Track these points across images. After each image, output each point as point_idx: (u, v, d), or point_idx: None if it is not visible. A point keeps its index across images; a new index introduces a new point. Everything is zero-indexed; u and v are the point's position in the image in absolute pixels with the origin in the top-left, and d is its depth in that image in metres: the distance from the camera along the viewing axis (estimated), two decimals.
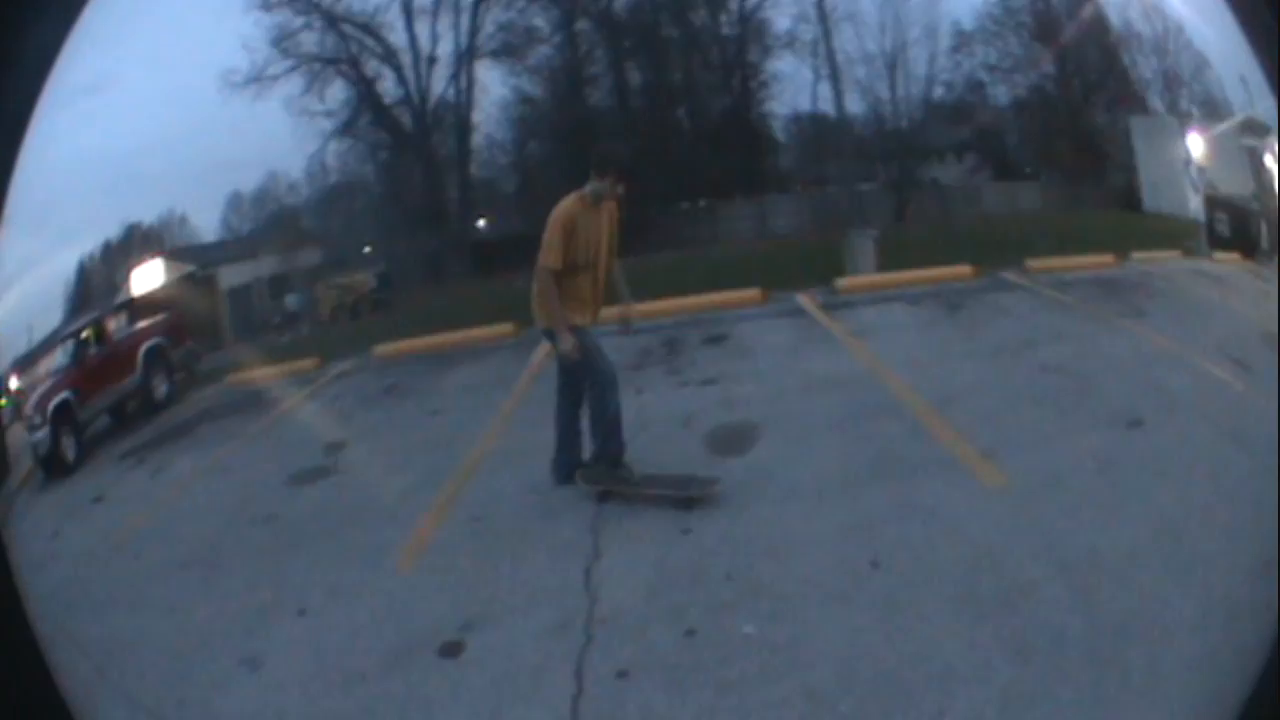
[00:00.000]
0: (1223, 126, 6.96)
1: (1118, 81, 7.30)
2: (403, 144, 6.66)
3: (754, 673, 4.69)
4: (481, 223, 6.93)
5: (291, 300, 6.42)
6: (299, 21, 6.11)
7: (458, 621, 5.06)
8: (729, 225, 6.91)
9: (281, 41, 6.11)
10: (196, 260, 6.21)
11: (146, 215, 5.75)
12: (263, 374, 6.20)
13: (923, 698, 4.52)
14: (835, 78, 6.91)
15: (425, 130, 6.71)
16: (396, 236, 6.76)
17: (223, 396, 6.15)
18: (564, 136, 7.02)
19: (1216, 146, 7.17)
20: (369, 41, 6.39)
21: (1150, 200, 7.36)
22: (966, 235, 7.17)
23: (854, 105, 6.96)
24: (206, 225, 6.17)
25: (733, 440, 6.42)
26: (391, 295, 6.60)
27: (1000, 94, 7.22)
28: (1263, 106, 4.96)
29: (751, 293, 6.76)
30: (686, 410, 6.52)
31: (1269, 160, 6.74)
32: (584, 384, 6.28)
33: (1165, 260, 7.61)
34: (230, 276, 6.31)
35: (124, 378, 6.01)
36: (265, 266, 6.39)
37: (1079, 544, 5.64)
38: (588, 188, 6.22)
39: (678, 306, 6.86)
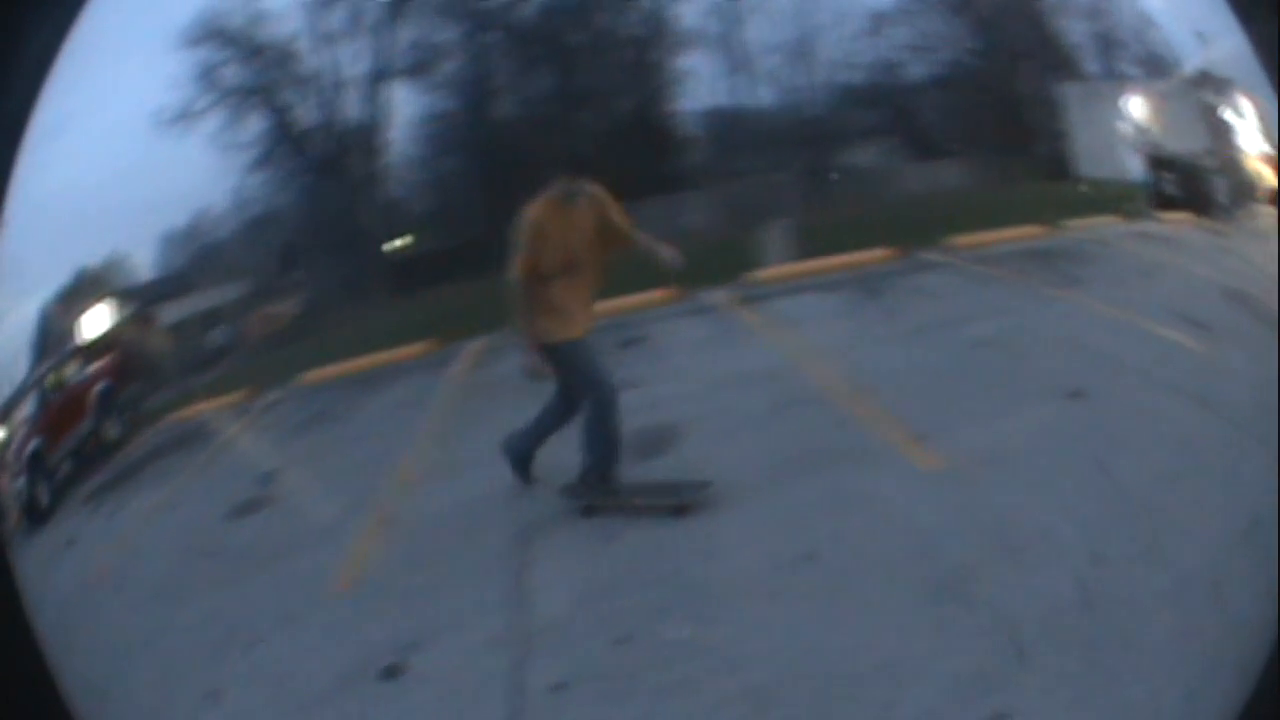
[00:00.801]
0: (1172, 84, 6.05)
1: (1047, 49, 6.32)
2: (318, 170, 5.81)
3: (692, 676, 4.34)
4: (399, 242, 5.94)
5: (220, 334, 5.67)
6: (220, 56, 5.39)
7: (400, 641, 4.68)
8: (643, 226, 5.82)
9: (204, 77, 5.40)
10: (137, 300, 5.58)
11: (92, 258, 5.21)
12: (201, 409, 5.58)
13: (870, 690, 4.18)
14: (745, 69, 5.95)
15: (340, 154, 5.84)
16: (318, 262, 5.95)
17: (167, 434, 5.51)
18: (474, 150, 6.16)
19: (1163, 105, 6.21)
20: (284, 70, 5.64)
21: (1085, 167, 6.34)
22: (886, 218, 6.22)
23: (766, 96, 6.02)
24: (146, 265, 5.54)
25: (656, 442, 5.58)
26: (315, 322, 5.82)
27: (918, 73, 6.18)
28: (1221, 58, 4.99)
29: (666, 292, 5.81)
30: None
31: (1228, 115, 5.89)
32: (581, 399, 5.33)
33: (1102, 226, 6.53)
34: (168, 314, 5.62)
35: (80, 421, 5.47)
36: (198, 302, 5.67)
37: (1025, 522, 4.97)
38: (555, 188, 5.38)
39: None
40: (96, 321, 5.49)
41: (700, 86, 6.13)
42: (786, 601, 4.67)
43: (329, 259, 6.02)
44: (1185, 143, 6.23)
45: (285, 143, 5.83)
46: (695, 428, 5.55)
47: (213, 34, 5.56)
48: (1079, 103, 6.21)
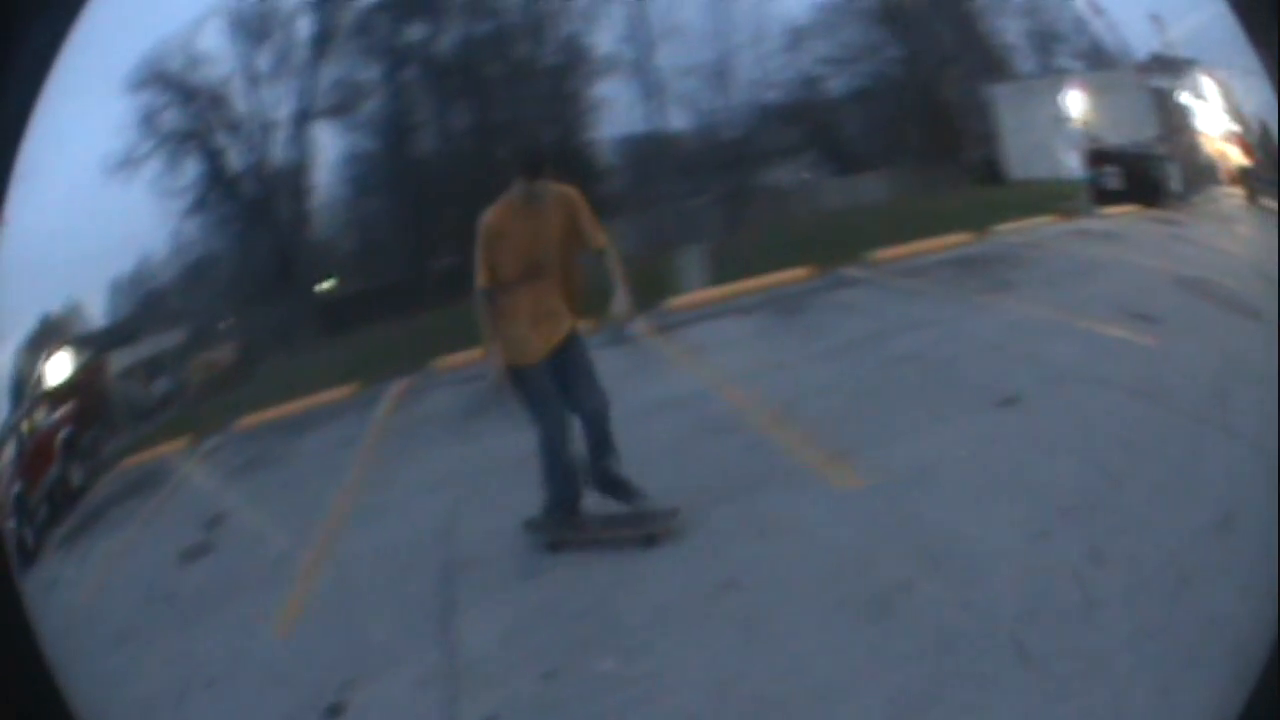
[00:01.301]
0: (1117, 73, 5.40)
1: (975, 52, 5.71)
2: (248, 214, 5.37)
3: (619, 707, 3.98)
4: (327, 284, 5.49)
5: (165, 380, 5.32)
6: (160, 100, 5.01)
7: (340, 680, 4.31)
8: None
9: (146, 122, 5.03)
10: (92, 347, 5.22)
11: (53, 305, 4.84)
12: (151, 455, 5.17)
13: (801, 715, 3.81)
14: (662, 94, 5.38)
15: (268, 197, 5.42)
16: (250, 307, 5.46)
17: (122, 480, 5.10)
18: (393, 188, 5.64)
19: (1105, 97, 5.54)
20: (217, 113, 5.21)
21: (1018, 169, 5.61)
22: (806, 236, 5.58)
23: (682, 120, 5.44)
24: (99, 312, 5.13)
25: None
26: (250, 366, 5.41)
27: (839, 86, 5.56)
28: (1180, 38, 4.61)
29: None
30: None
31: (1184, 98, 5.29)
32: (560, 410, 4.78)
33: (1036, 227, 5.77)
34: (118, 361, 5.26)
35: (50, 467, 5.09)
36: (143, 349, 5.29)
37: (954, 536, 4.37)
38: (513, 189, 4.72)
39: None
40: (59, 368, 5.11)
41: (618, 113, 5.58)
42: (709, 630, 4.20)
43: (261, 303, 5.51)
44: (1131, 133, 5.56)
45: (218, 186, 5.40)
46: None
47: (154, 78, 5.15)
48: (1011, 103, 5.57)
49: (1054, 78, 5.52)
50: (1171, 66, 5.32)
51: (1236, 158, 5.27)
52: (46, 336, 5.04)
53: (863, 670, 3.85)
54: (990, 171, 5.51)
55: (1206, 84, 5.28)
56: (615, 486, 4.73)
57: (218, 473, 5.31)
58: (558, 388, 4.85)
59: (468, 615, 4.62)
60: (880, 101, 5.61)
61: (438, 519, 4.97)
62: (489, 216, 4.77)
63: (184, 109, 5.24)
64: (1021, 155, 5.45)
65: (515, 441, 5.00)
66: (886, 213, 5.33)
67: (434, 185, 5.57)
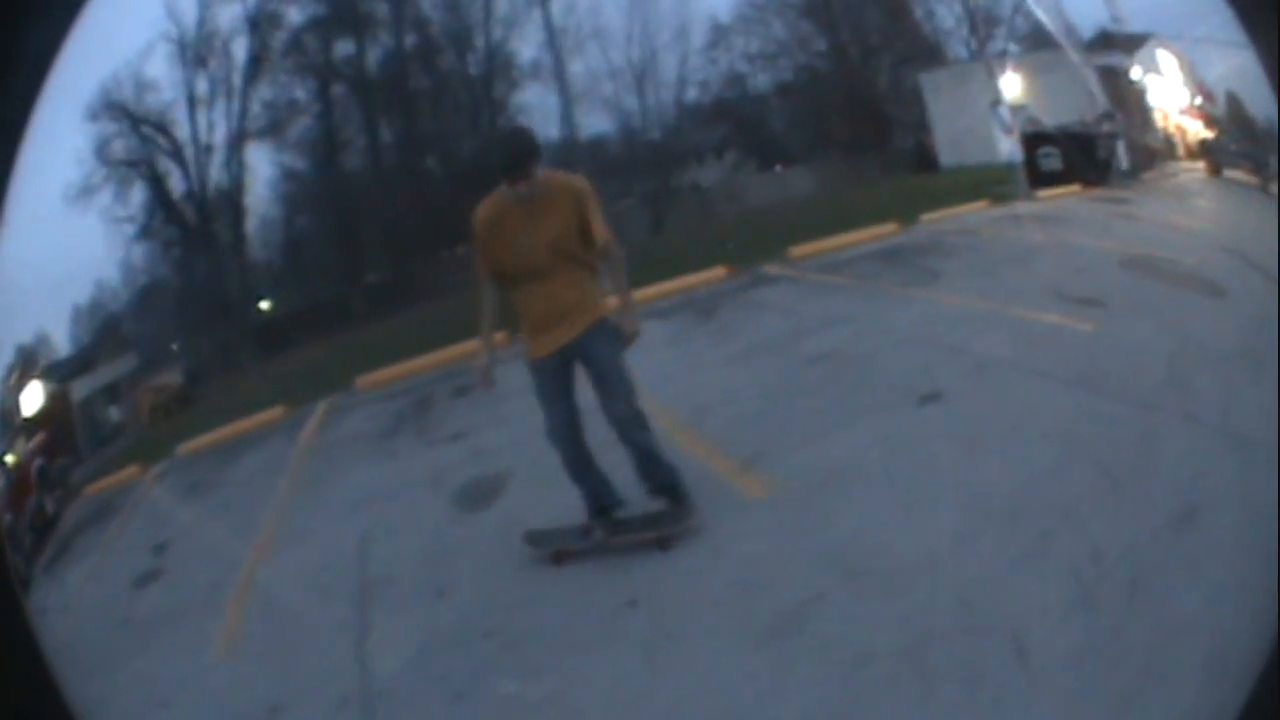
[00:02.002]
0: (1059, 54, 4.49)
1: (907, 40, 4.94)
2: (188, 237, 4.83)
3: None
4: (264, 304, 4.90)
5: (114, 410, 4.82)
6: (112, 129, 4.51)
7: (267, 705, 3.76)
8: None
9: (100, 151, 4.53)
10: (57, 377, 4.66)
11: (25, 335, 4.34)
12: (108, 483, 4.60)
13: None
14: (583, 98, 4.73)
15: (205, 221, 4.85)
16: (193, 331, 4.95)
17: (85, 508, 4.52)
18: (323, 205, 5.01)
19: (1045, 78, 4.66)
20: (162, 139, 4.69)
21: (949, 156, 4.74)
22: (728, 235, 4.77)
23: (604, 123, 4.77)
24: (64, 341, 4.61)
25: (481, 494, 4.25)
26: (195, 390, 4.83)
27: (763, 82, 4.82)
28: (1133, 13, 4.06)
29: (503, 335, 4.25)
30: (436, 469, 4.39)
31: (1136, 74, 4.52)
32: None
33: (967, 214, 4.82)
34: (78, 391, 4.72)
35: (28, 497, 4.57)
36: (101, 376, 4.76)
37: (868, 546, 3.54)
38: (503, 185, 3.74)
39: (430, 363, 4.64)
40: (33, 398, 4.62)
41: (542, 119, 4.88)
42: (612, 651, 3.50)
43: (203, 326, 5.00)
44: (1073, 113, 4.67)
45: (161, 212, 4.87)
46: (518, 477, 4.23)
47: (107, 107, 4.62)
48: (941, 90, 4.72)
49: (988, 62, 4.67)
50: (1123, 43, 4.57)
51: (1196, 131, 4.52)
52: (20, 367, 4.55)
53: (769, 692, 3.19)
54: (922, 160, 4.68)
55: (1163, 58, 4.56)
56: (659, 491, 3.87)
57: (164, 498, 4.74)
58: (566, 386, 3.98)
59: (380, 637, 3.94)
60: (806, 95, 4.85)
61: (353, 541, 4.26)
62: (479, 211, 3.93)
63: (132, 136, 4.73)
64: (953, 141, 4.61)
65: (430, 459, 4.41)
66: (810, 207, 4.48)
67: (362, 200, 4.96)
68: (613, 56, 4.76)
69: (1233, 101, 4.16)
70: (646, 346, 4.03)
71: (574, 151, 4.74)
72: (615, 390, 3.90)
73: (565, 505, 3.87)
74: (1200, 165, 4.55)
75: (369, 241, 4.82)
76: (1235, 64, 3.45)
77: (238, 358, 5.00)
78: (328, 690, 3.81)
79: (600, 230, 3.87)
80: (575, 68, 4.77)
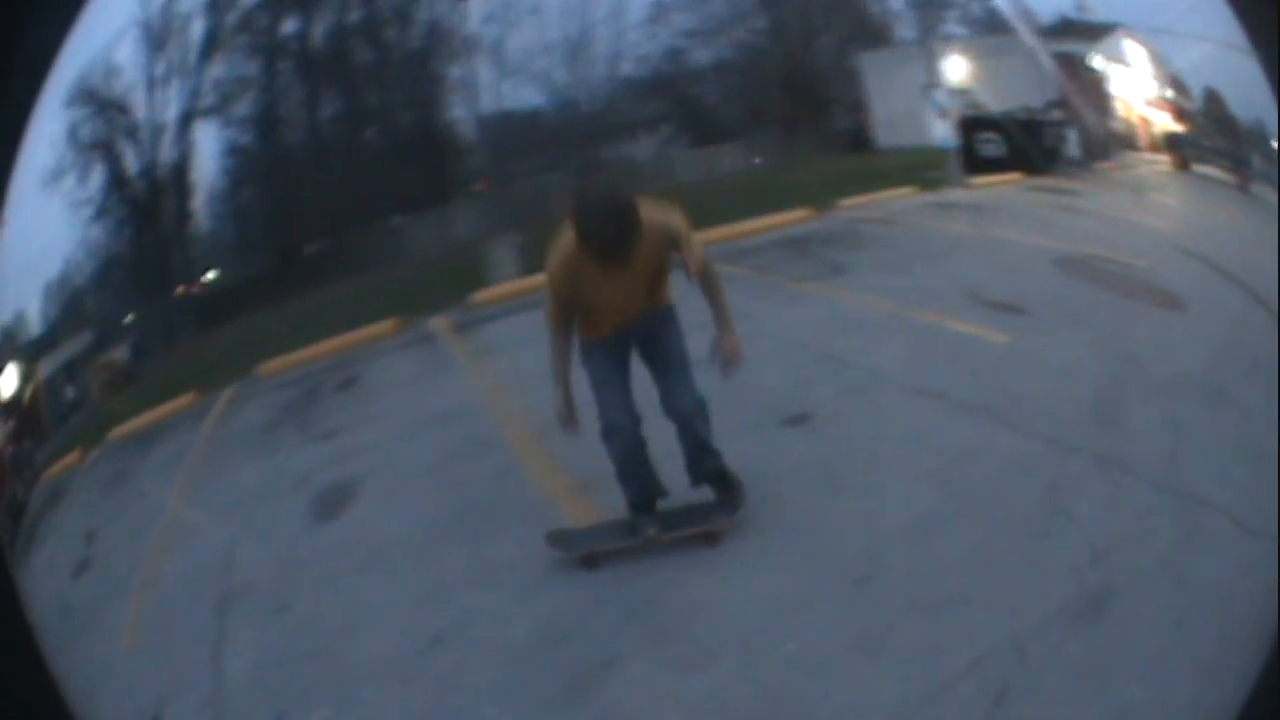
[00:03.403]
0: (1012, 37, 3.28)
1: (850, 19, 3.70)
2: (138, 214, 3.82)
3: None
4: (210, 275, 3.80)
5: (70, 388, 3.72)
6: (82, 113, 3.56)
7: (160, 696, 2.98)
8: (415, 240, 3.60)
9: (70, 135, 3.58)
10: (27, 357, 3.64)
11: (5, 317, 3.43)
12: (59, 467, 3.47)
13: None
14: (522, 72, 3.58)
15: (154, 197, 3.81)
16: (143, 306, 3.84)
17: (41, 494, 3.42)
18: (262, 179, 3.92)
19: (995, 61, 3.37)
20: (122, 121, 3.71)
21: (886, 138, 3.39)
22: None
23: (538, 97, 3.59)
24: (35, 323, 3.63)
25: (335, 501, 3.09)
26: (140, 367, 3.72)
27: (701, 58, 3.59)
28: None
29: (386, 324, 3.31)
30: (305, 470, 3.22)
31: (1098, 62, 3.32)
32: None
33: (891, 200, 3.39)
34: (43, 369, 3.65)
35: (5, 484, 3.57)
36: (61, 354, 3.69)
37: (678, 604, 2.34)
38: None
39: (321, 351, 3.41)
40: (8, 381, 3.78)
41: (479, 93, 3.80)
42: (410, 687, 2.52)
43: (150, 301, 4.04)
44: (1021, 99, 3.37)
45: (117, 190, 3.97)
46: (370, 484, 3.08)
47: (80, 92, 3.76)
48: (880, 71, 3.44)
49: (928, 43, 3.45)
50: (1085, 31, 3.45)
51: (1164, 124, 3.37)
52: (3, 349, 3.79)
53: None
54: (858, 141, 3.41)
55: (1130, 48, 3.46)
56: (707, 480, 2.76)
57: (95, 486, 3.76)
58: (625, 372, 2.80)
59: (231, 648, 3.04)
60: (744, 72, 3.68)
61: (225, 543, 3.27)
62: (554, 263, 2.77)
63: (98, 120, 3.88)
64: (890, 123, 3.35)
65: (301, 458, 3.32)
66: (730, 187, 3.27)
67: (299, 172, 3.99)
68: (551, 30, 3.69)
69: (1212, 98, 3.19)
70: (524, 341, 2.96)
71: (508, 125, 3.74)
72: (682, 379, 2.75)
73: (402, 525, 2.84)
74: (1164, 158, 3.34)
75: (307, 214, 3.88)
76: (1216, 59, 2.80)
77: (177, 334, 4.10)
78: (195, 691, 3.06)
79: (696, 263, 2.70)
80: (513, 41, 3.72)
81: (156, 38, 3.96)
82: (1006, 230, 3.01)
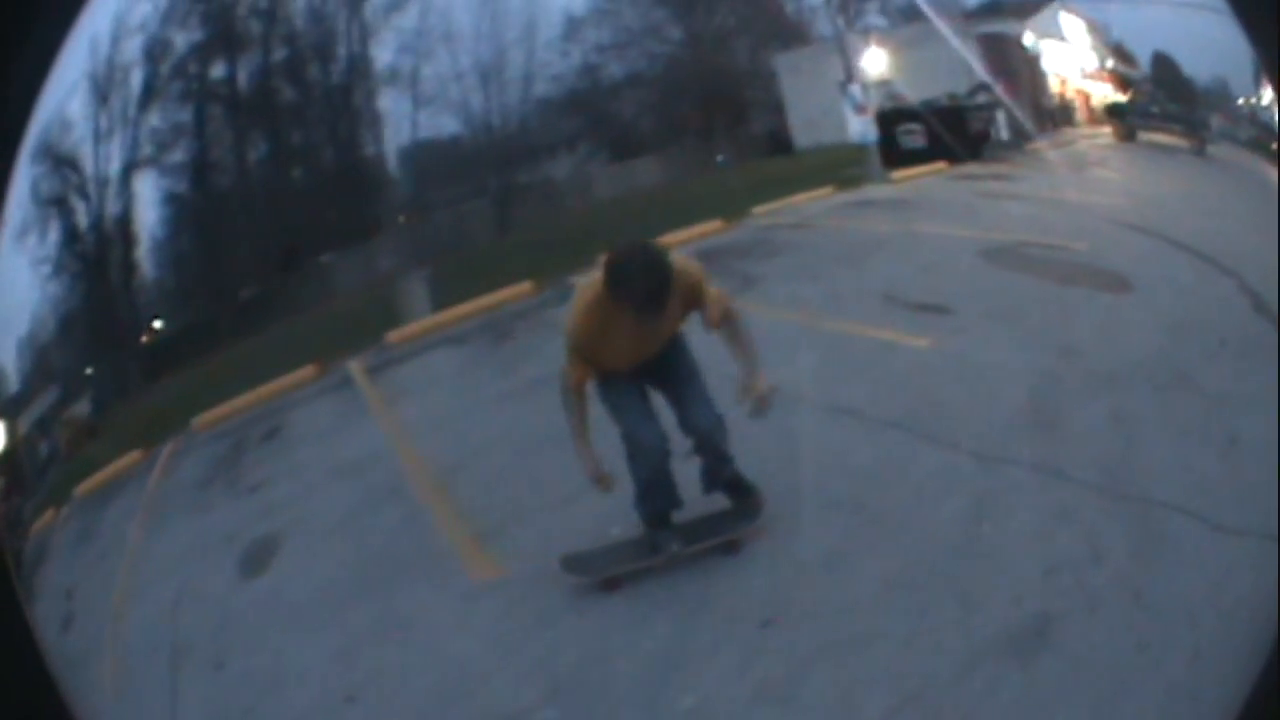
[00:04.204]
0: (930, 24, 2.84)
1: (766, 20, 3.37)
2: (89, 269, 3.61)
3: None
4: (157, 324, 3.60)
5: (44, 444, 3.40)
6: (41, 169, 3.35)
7: None
8: (342, 278, 3.32)
9: (33, 191, 3.39)
10: (9, 413, 3.37)
11: None
12: (39, 525, 3.14)
13: None
14: (435, 101, 3.32)
15: (103, 250, 3.64)
16: (98, 359, 3.64)
17: (30, 549, 3.10)
18: (198, 225, 3.67)
19: (915, 50, 2.99)
20: (73, 176, 3.52)
21: (804, 138, 3.02)
22: (569, 233, 3.06)
23: (455, 125, 3.32)
24: (13, 377, 3.41)
25: (260, 556, 2.75)
26: (100, 420, 3.43)
27: (615, 72, 3.27)
28: None
29: (305, 371, 2.98)
30: (233, 526, 2.85)
31: (1028, 39, 3.03)
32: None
33: (807, 202, 2.97)
34: (22, 426, 3.37)
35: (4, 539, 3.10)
36: (34, 410, 3.41)
37: (592, 650, 1.98)
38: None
39: (248, 402, 3.09)
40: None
41: (399, 125, 3.58)
42: None
43: (103, 354, 3.81)
44: (944, 86, 2.98)
45: (70, 247, 3.79)
46: (290, 539, 2.77)
47: (41, 147, 3.52)
48: (794, 71, 3.11)
49: (841, 38, 3.14)
50: (1014, 10, 3.19)
51: (1104, 96, 3.07)
52: None
53: None
54: (777, 144, 3.07)
55: (1067, 21, 3.19)
56: (725, 488, 2.46)
57: (67, 543, 3.46)
58: (645, 396, 2.54)
59: (184, 702, 2.74)
60: (659, 83, 3.39)
61: (169, 602, 2.95)
62: (577, 320, 2.53)
63: (54, 176, 3.66)
64: (808, 123, 3.01)
65: (231, 513, 3.00)
66: (647, 201, 2.96)
67: (232, 216, 3.77)
68: (464, 57, 3.48)
69: (1161, 62, 2.88)
70: (434, 380, 2.73)
71: (426, 155, 3.50)
72: (701, 397, 2.47)
73: (320, 574, 2.53)
74: (1106, 131, 3.02)
75: (239, 258, 3.66)
76: (1166, 22, 2.54)
77: (129, 387, 3.90)
78: None
79: (715, 316, 2.44)
80: (428, 71, 3.49)
81: (102, 90, 3.79)
82: (929, 224, 2.62)
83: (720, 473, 2.46)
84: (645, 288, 2.32)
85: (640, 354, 2.50)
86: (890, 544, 1.83)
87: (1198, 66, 2.66)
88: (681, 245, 2.74)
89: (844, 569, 1.82)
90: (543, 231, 3.30)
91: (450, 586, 2.23)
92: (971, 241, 2.49)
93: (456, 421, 2.52)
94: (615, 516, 2.17)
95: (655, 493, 2.48)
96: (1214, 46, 2.44)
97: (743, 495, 2.42)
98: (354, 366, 3.00)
